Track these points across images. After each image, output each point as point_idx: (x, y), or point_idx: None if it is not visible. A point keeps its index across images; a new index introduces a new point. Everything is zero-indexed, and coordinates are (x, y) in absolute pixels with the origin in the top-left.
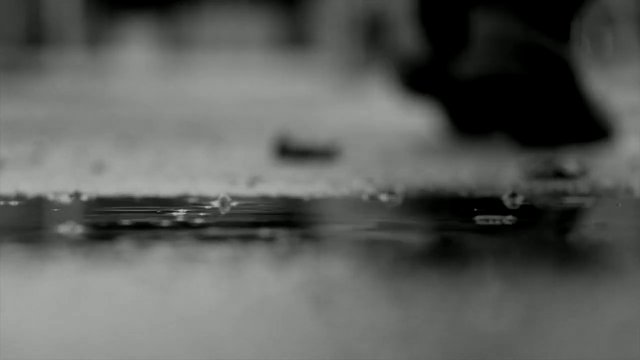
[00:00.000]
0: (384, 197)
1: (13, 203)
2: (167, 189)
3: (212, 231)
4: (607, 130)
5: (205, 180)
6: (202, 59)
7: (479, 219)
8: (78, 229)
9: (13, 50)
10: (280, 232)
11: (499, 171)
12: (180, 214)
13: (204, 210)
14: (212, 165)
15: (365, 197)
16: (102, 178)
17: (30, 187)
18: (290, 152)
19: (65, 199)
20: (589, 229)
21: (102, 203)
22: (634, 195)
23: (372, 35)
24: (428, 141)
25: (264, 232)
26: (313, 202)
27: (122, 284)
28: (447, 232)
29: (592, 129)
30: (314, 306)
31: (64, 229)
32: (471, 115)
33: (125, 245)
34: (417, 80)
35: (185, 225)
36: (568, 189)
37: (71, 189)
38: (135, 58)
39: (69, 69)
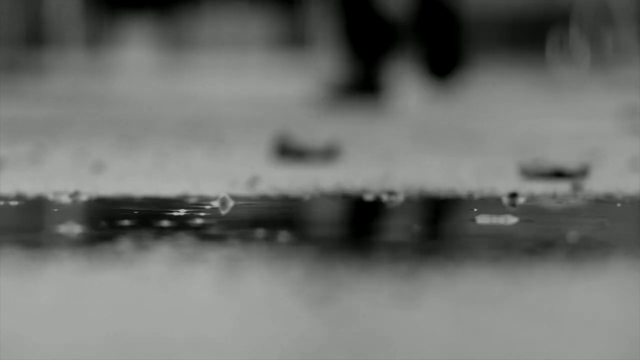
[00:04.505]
0: (384, 197)
1: (13, 203)
2: (167, 189)
3: (212, 231)
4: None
5: (205, 180)
6: (202, 59)
7: (479, 219)
8: (78, 229)
9: (13, 50)
10: (280, 233)
11: (498, 171)
12: (180, 214)
13: (204, 210)
14: (212, 165)
15: (365, 197)
16: (102, 178)
17: (30, 187)
18: (290, 152)
19: (65, 199)
20: (588, 229)
21: (102, 203)
22: (634, 196)
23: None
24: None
25: (264, 232)
26: (313, 202)
27: (122, 284)
28: (447, 232)
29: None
30: (314, 306)
31: (64, 229)
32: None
33: (125, 245)
34: (342, 96)
35: (185, 225)
36: (568, 189)
37: (71, 189)
38: (135, 58)
39: (69, 69)
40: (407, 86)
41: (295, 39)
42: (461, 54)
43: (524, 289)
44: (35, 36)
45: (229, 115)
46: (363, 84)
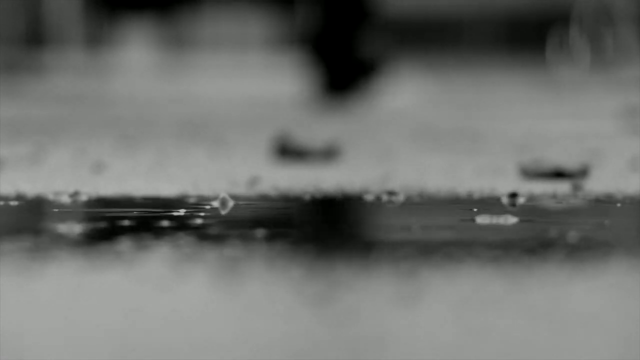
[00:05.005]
0: (384, 197)
1: (13, 203)
2: (167, 189)
3: (212, 231)
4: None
5: (205, 180)
6: (202, 59)
7: (479, 219)
8: (78, 229)
9: (13, 50)
10: (280, 232)
11: (498, 171)
12: (180, 214)
13: (204, 210)
14: (212, 165)
15: (365, 197)
16: (102, 178)
17: (30, 187)
18: (290, 152)
19: (65, 199)
20: (588, 229)
21: (102, 203)
22: (634, 196)
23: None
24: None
25: (264, 232)
26: (313, 202)
27: (122, 284)
28: (447, 232)
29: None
30: (314, 306)
31: (64, 229)
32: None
33: (125, 245)
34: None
35: (185, 225)
36: (568, 189)
37: (71, 189)
38: (136, 58)
39: (69, 69)
40: (399, 86)
41: (295, 39)
42: (367, 63)
43: (524, 289)
44: (35, 36)
45: (229, 115)
46: (339, 85)
